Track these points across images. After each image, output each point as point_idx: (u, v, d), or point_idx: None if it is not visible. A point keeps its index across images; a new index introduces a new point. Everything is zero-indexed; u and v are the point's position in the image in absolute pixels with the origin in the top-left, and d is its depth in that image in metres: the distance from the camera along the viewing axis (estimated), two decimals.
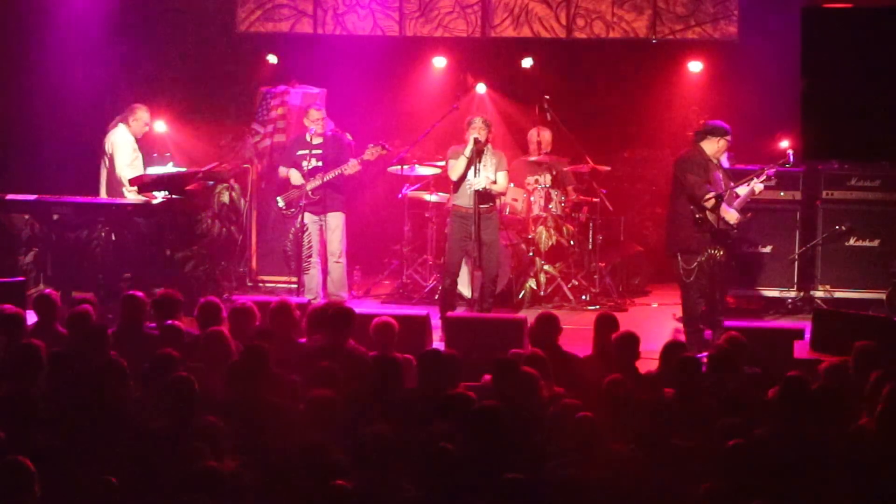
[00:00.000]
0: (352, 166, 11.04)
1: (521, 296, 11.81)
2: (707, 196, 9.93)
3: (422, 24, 13.35)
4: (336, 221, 11.29)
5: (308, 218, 11.13)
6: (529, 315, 9.59)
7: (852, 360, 7.36)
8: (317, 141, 11.18)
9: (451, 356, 7.43)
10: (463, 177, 10.61)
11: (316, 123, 11.21)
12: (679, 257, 10.11)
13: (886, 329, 9.03)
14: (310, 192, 11.03)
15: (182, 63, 13.49)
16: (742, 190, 10.14)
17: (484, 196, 10.59)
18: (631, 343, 7.68)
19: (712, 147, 10.17)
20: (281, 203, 11.31)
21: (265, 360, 7.12)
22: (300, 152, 11.23)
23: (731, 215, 9.98)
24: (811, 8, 7.80)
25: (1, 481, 5.32)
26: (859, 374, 7.10)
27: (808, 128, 7.88)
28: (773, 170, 10.26)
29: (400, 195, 12.33)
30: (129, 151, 11.32)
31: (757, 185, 10.16)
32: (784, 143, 11.70)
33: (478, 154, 10.55)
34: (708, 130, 10.22)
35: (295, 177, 11.17)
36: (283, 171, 11.37)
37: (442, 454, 5.78)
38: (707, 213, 9.98)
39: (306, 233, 11.11)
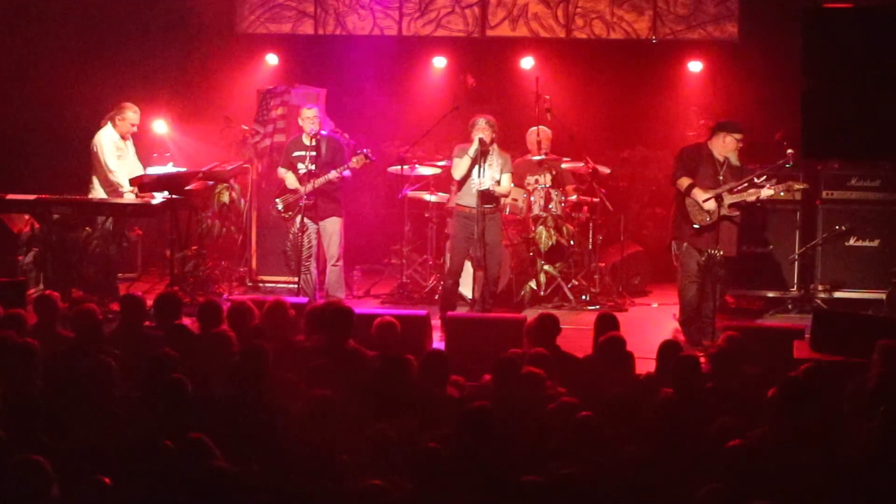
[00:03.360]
0: (335, 173, 10.99)
1: (521, 296, 11.80)
2: (706, 196, 10.07)
3: (421, 23, 13.36)
4: (333, 227, 11.26)
5: (306, 222, 11.09)
6: (529, 315, 9.59)
7: (876, 359, 7.34)
8: (310, 143, 11.11)
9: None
10: (467, 176, 10.61)
11: (307, 122, 11.13)
12: (673, 244, 10.45)
13: (886, 329, 9.01)
14: (305, 197, 11.00)
15: (183, 63, 13.49)
16: (750, 196, 10.18)
17: (487, 196, 10.59)
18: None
19: (718, 143, 10.27)
20: (280, 206, 11.28)
21: (265, 361, 7.12)
22: (296, 154, 11.20)
23: (702, 195, 10.08)
24: (811, 8, 7.78)
25: (18, 481, 5.32)
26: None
27: (808, 128, 7.86)
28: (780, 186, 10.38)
29: (400, 195, 12.34)
30: (111, 150, 11.27)
31: (764, 192, 10.18)
32: (784, 143, 11.70)
33: (482, 154, 10.55)
34: (716, 126, 10.39)
35: (290, 180, 11.15)
36: (281, 171, 11.35)
37: (436, 454, 5.78)
38: (686, 202, 10.16)
39: (306, 233, 11.10)
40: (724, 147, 10.26)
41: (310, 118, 11.12)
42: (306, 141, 11.14)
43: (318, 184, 11.00)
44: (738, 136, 10.25)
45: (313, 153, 11.04)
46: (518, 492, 5.48)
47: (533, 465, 5.91)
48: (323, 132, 11.22)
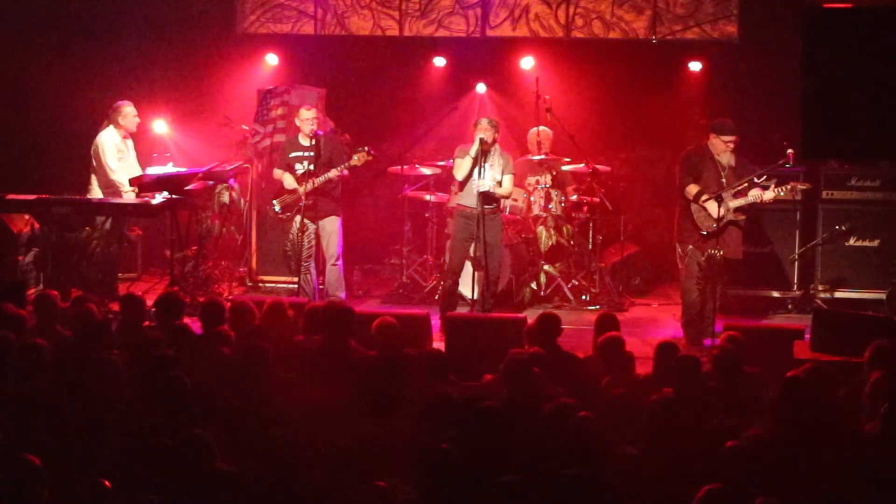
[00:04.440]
0: (335, 172, 10.98)
1: (521, 296, 11.80)
2: (704, 197, 10.08)
3: (422, 23, 13.37)
4: (332, 226, 11.25)
5: (304, 222, 11.08)
6: (529, 315, 9.59)
7: (868, 359, 7.36)
8: (308, 143, 11.10)
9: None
10: (468, 177, 10.60)
11: (306, 122, 11.12)
12: (677, 246, 10.44)
13: (886, 329, 9.01)
14: (303, 197, 10.99)
15: (183, 63, 13.49)
16: (754, 194, 10.16)
17: (488, 197, 10.58)
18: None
19: (713, 144, 10.27)
20: (277, 207, 11.26)
21: (265, 361, 7.12)
22: (293, 154, 11.19)
23: (735, 203, 10.13)
24: (811, 8, 7.79)
25: (11, 479, 5.32)
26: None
27: (808, 128, 7.87)
28: (791, 186, 10.39)
29: (400, 195, 12.34)
30: (112, 151, 11.30)
31: (767, 194, 10.18)
32: (784, 143, 11.69)
33: (483, 154, 10.55)
34: (709, 127, 10.38)
35: (288, 181, 11.14)
36: (277, 173, 11.35)
37: (441, 455, 5.78)
38: (693, 208, 10.11)
39: (305, 233, 11.09)
40: (716, 148, 10.26)
41: (308, 119, 11.11)
42: (303, 141, 11.15)
43: (318, 183, 10.99)
44: (726, 138, 10.21)
45: (311, 153, 11.03)
46: (518, 492, 5.47)
47: (533, 465, 5.91)
48: (320, 132, 11.20)
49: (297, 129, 11.40)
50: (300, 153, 11.13)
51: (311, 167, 11.00)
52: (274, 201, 11.32)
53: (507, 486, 5.46)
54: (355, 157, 10.98)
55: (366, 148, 11.01)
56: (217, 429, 6.11)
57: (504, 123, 11.34)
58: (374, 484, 5.45)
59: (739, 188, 10.20)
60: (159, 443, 5.90)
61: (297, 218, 11.05)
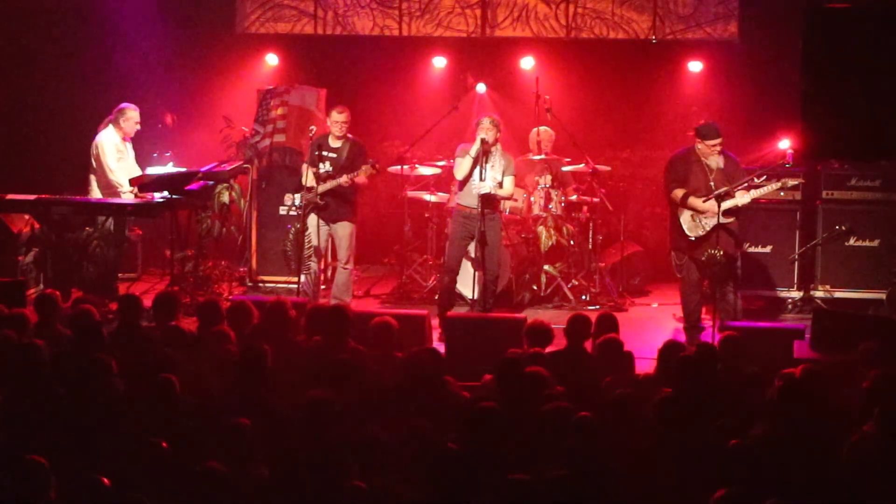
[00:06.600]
0: (344, 179, 10.90)
1: (521, 296, 11.80)
2: (704, 202, 10.04)
3: (422, 23, 13.37)
4: (344, 231, 11.14)
5: (318, 221, 11.03)
6: (529, 315, 9.59)
7: (861, 361, 7.36)
8: (335, 144, 11.05)
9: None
10: (468, 176, 10.57)
11: (336, 126, 10.99)
12: (672, 254, 10.39)
13: (886, 329, 9.02)
14: (318, 198, 10.93)
15: (183, 63, 13.49)
16: (738, 196, 10.08)
17: (488, 198, 10.56)
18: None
19: (699, 149, 10.17)
20: (298, 202, 11.09)
21: (265, 360, 7.12)
22: (322, 153, 11.07)
23: (699, 202, 10.05)
24: (812, 7, 7.80)
25: (18, 480, 5.32)
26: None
27: (809, 127, 7.88)
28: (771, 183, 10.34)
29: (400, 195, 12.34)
30: (112, 151, 11.30)
31: (742, 198, 10.06)
32: (784, 143, 11.70)
33: (485, 154, 10.52)
34: (694, 132, 10.30)
35: (308, 178, 11.04)
36: (304, 167, 11.22)
37: (444, 454, 5.77)
38: (681, 215, 10.08)
39: (307, 233, 11.06)
40: (702, 152, 10.19)
41: (338, 122, 10.96)
42: (332, 142, 11.04)
43: (328, 188, 10.88)
44: (711, 142, 10.10)
45: (335, 155, 10.98)
46: (519, 492, 5.47)
47: (533, 465, 5.91)
48: (350, 136, 11.09)
49: (298, 130, 11.36)
50: (326, 153, 11.04)
51: (331, 169, 10.93)
52: (295, 195, 11.15)
53: (517, 484, 5.46)
54: (362, 170, 10.84)
55: (371, 161, 10.93)
56: (215, 429, 6.12)
57: (504, 123, 11.32)
58: (353, 484, 5.45)
59: (739, 188, 10.13)
60: (157, 443, 5.90)
61: (313, 216, 10.98)
